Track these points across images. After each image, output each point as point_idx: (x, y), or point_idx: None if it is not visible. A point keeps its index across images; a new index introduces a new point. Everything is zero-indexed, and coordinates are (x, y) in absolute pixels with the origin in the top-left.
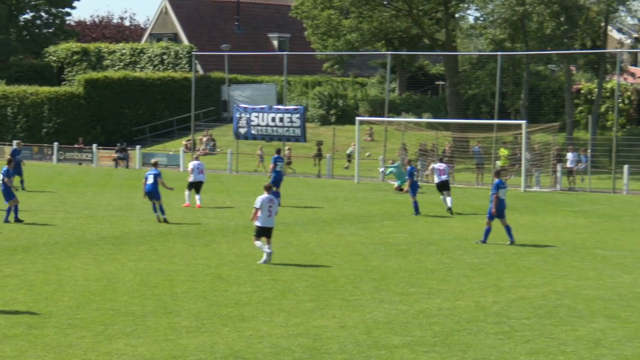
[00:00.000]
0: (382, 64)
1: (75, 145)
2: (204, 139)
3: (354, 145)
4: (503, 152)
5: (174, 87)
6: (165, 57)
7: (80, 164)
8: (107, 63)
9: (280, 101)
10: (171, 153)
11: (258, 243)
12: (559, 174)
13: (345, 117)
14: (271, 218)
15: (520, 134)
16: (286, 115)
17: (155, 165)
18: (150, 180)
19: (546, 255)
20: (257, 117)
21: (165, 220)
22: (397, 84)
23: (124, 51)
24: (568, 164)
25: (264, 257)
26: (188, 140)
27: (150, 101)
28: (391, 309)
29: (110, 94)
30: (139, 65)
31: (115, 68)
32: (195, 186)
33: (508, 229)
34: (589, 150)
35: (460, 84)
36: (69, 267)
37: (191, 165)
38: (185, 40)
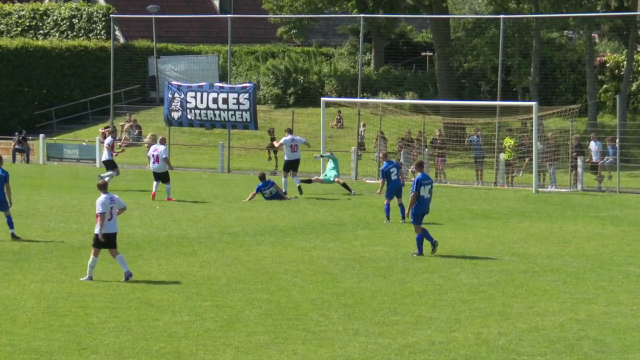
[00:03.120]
0: (353, 30)
1: None
2: (126, 125)
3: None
4: (508, 142)
5: (87, 60)
6: (75, 21)
7: None
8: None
9: (223, 77)
10: (84, 144)
11: (93, 260)
12: (579, 170)
13: (307, 97)
14: (112, 222)
15: (530, 119)
16: (232, 96)
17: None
18: None
19: (565, 273)
20: (195, 97)
21: (14, 237)
22: (373, 55)
23: (22, 13)
24: (592, 158)
25: (87, 277)
26: (106, 128)
27: (57, 77)
28: (368, 342)
29: (4, 68)
30: (41, 32)
31: (11, 35)
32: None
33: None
34: (617, 140)
35: (452, 55)
36: None
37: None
38: (101, 0)
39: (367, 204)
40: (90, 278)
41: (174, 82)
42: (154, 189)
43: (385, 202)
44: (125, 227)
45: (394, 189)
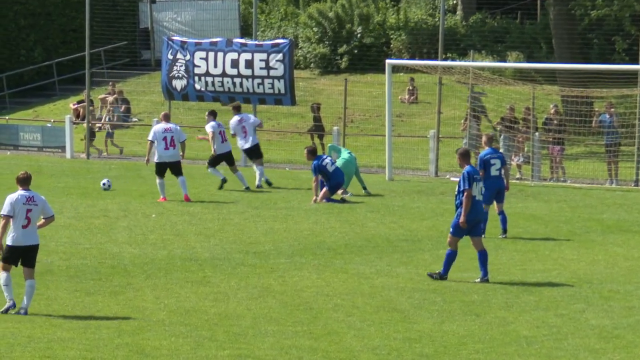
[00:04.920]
0: None
1: None
2: (109, 99)
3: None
4: None
5: (51, 6)
6: None
7: None
8: None
9: (247, 30)
10: (49, 125)
11: (3, 276)
12: None
13: (367, 59)
14: (30, 230)
15: None
16: (259, 57)
17: None
18: None
19: None
20: (206, 59)
21: None
22: (460, 0)
23: None
24: None
25: (8, 303)
26: (79, 102)
27: (9, 30)
28: None
29: None
30: None
31: None
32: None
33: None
34: None
35: None
36: None
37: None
38: None
39: (452, 212)
40: (13, 305)
41: (176, 38)
42: (162, 192)
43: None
44: (109, 244)
45: (493, 189)
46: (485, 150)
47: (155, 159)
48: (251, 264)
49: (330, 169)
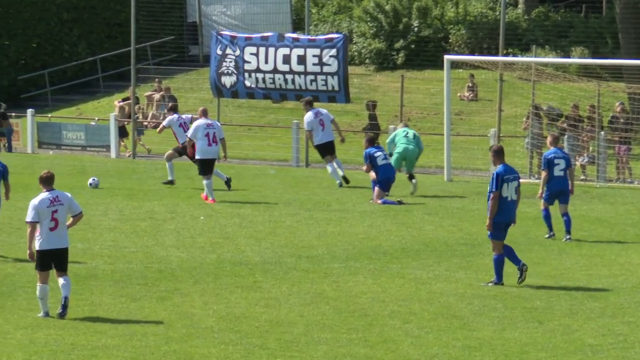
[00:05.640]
0: None
1: None
2: (155, 96)
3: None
4: None
5: (95, 1)
6: None
7: None
8: None
9: (299, 25)
10: (93, 124)
11: (41, 290)
12: None
13: (424, 54)
14: (59, 232)
15: None
16: (311, 52)
17: None
18: None
19: None
20: (256, 55)
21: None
22: None
23: None
24: None
25: (42, 309)
26: (125, 100)
27: (53, 25)
28: None
29: None
30: None
31: None
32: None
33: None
34: None
35: None
36: None
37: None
38: None
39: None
40: (47, 314)
41: (226, 32)
42: (210, 193)
43: (542, 208)
44: (155, 247)
45: (555, 190)
46: (550, 150)
47: (199, 156)
48: (304, 269)
49: (380, 162)
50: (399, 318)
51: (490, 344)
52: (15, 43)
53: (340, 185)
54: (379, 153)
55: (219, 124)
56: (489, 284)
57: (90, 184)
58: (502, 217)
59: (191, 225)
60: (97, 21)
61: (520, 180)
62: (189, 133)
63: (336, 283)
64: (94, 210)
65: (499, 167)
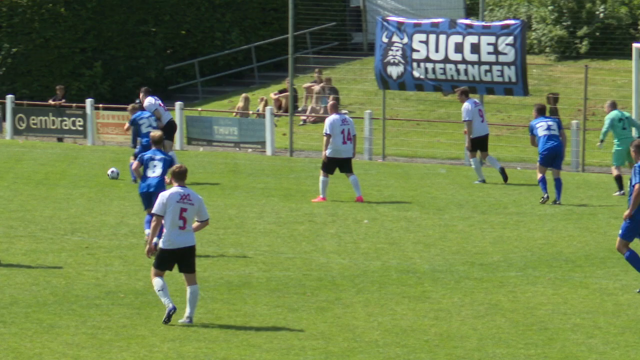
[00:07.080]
0: None
1: (51, 102)
2: (315, 88)
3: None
4: None
5: None
6: None
7: (60, 139)
8: None
9: (473, 10)
10: (247, 118)
11: (158, 282)
12: None
13: (610, 42)
14: (186, 231)
15: None
16: (486, 40)
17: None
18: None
19: None
20: (426, 43)
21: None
22: None
23: None
24: None
25: (168, 307)
26: (281, 92)
27: (203, 10)
28: None
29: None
30: None
31: None
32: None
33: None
34: None
35: None
36: None
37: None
38: None
39: None
40: (174, 308)
41: (392, 18)
42: (324, 191)
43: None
44: (314, 253)
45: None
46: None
47: (329, 153)
48: (477, 278)
49: (541, 132)
50: (582, 332)
51: None
52: (162, 30)
53: (484, 181)
54: (541, 123)
55: (352, 120)
56: None
57: (110, 175)
58: None
59: (354, 229)
60: (251, 6)
61: None
62: (326, 129)
63: (513, 293)
64: (248, 213)
65: None
